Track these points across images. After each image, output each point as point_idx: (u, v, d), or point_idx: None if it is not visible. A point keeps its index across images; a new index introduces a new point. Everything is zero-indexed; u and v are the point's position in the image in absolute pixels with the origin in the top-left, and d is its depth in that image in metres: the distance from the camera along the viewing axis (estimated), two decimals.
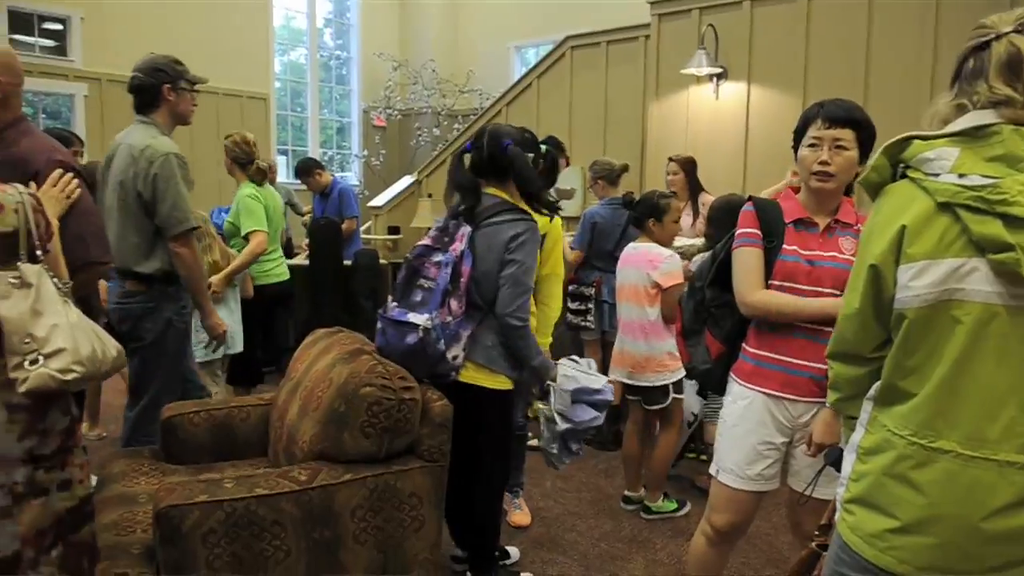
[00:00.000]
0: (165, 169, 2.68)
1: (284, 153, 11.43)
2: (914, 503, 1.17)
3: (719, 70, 5.68)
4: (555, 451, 2.50)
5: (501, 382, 2.42)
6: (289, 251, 5.45)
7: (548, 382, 2.47)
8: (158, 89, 2.81)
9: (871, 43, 5.06)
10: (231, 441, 2.64)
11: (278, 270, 4.20)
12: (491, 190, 2.45)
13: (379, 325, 2.36)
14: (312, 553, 1.97)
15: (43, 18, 8.92)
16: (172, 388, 2.85)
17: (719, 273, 2.14)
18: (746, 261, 2.01)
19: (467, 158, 2.49)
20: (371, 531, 2.04)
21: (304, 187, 6.30)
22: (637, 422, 3.36)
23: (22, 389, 1.58)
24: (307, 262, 5.35)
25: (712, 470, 2.14)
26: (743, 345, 2.09)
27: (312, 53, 12.04)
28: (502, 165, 2.40)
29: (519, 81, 7.62)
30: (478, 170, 2.45)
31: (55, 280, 1.70)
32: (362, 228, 7.01)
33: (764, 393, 2.00)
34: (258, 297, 4.08)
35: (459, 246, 2.31)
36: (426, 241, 2.40)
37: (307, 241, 5.69)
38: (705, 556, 2.18)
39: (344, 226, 5.56)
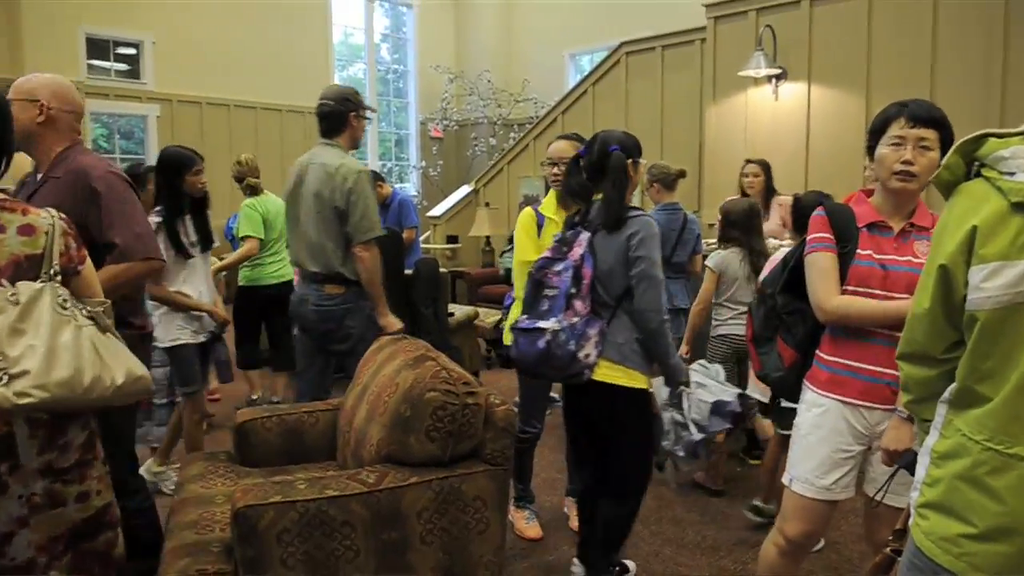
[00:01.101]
0: (358, 184, 3.01)
1: None
2: (990, 509, 1.15)
3: (778, 71, 5.61)
4: (681, 455, 2.55)
5: (636, 379, 2.43)
6: None
7: (681, 388, 2.53)
8: (345, 116, 3.12)
9: (937, 39, 4.92)
10: (301, 445, 2.73)
11: (278, 271, 4.51)
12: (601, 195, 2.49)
13: (511, 337, 2.47)
14: (380, 553, 2.02)
15: (118, 43, 9.38)
16: None
17: (790, 279, 2.11)
18: (821, 266, 1.98)
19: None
20: (437, 533, 2.09)
21: None
22: (780, 443, 3.14)
23: None
24: None
25: (785, 479, 2.10)
26: (817, 352, 2.05)
27: (370, 68, 12.32)
28: (605, 168, 2.45)
29: (574, 89, 7.66)
30: (589, 174, 2.50)
31: (63, 299, 1.67)
32: (421, 238, 7.13)
33: (840, 401, 1.97)
34: (254, 295, 4.50)
35: (579, 251, 2.38)
36: (547, 254, 2.47)
37: None
38: (775, 565, 2.15)
39: (404, 236, 5.66)
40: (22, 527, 1.64)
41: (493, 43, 12.02)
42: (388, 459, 2.14)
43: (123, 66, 9.50)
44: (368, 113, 3.25)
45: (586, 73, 8.25)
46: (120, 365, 1.72)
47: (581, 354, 2.33)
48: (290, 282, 4.43)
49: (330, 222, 3.03)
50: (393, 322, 3.14)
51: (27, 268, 1.65)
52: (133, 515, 2.39)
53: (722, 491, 3.56)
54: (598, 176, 2.47)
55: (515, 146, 8.24)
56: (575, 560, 2.68)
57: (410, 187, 12.34)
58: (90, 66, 9.02)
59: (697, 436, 2.49)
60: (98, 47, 9.17)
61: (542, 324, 2.32)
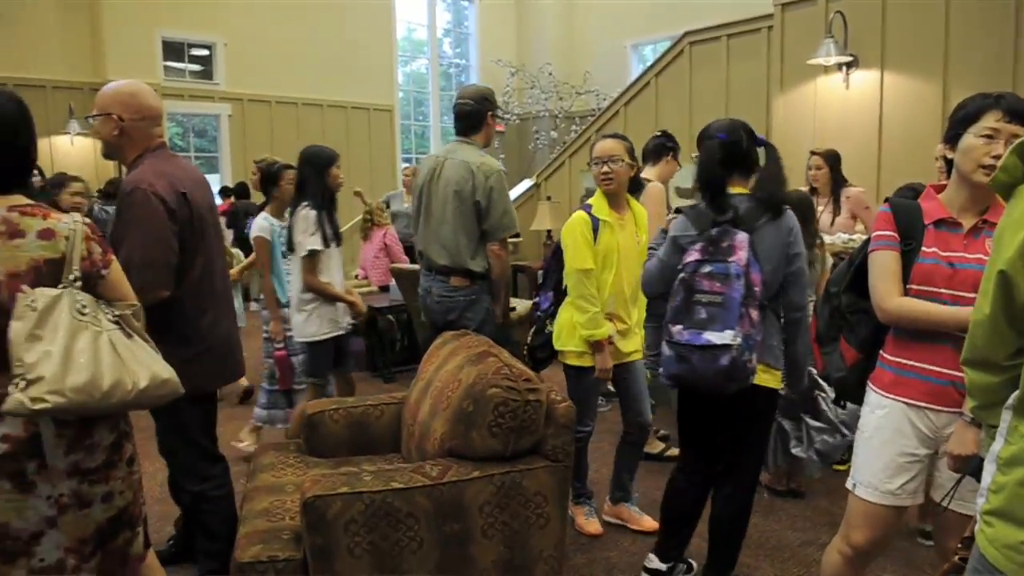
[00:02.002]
0: (499, 182, 3.16)
1: (408, 160, 11.86)
2: None
3: (849, 59, 5.43)
4: (815, 459, 2.55)
5: (778, 380, 2.43)
6: (413, 256, 5.67)
7: (816, 391, 2.56)
8: (483, 115, 3.25)
9: (1020, 24, 4.68)
10: (367, 437, 2.81)
11: None
12: (738, 189, 2.38)
13: (669, 352, 2.27)
14: (443, 545, 2.07)
15: (191, 45, 9.73)
16: None
17: (855, 278, 2.06)
18: (883, 265, 1.93)
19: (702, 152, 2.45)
20: (498, 527, 2.12)
21: None
22: None
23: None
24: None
25: (848, 484, 2.06)
26: (881, 353, 2.00)
27: (433, 63, 12.45)
28: (753, 160, 2.39)
29: (637, 80, 7.57)
30: (729, 164, 2.37)
31: (82, 304, 1.68)
32: None
33: (904, 403, 1.92)
34: None
35: (743, 255, 2.23)
36: (695, 255, 2.28)
37: None
38: (840, 574, 2.11)
39: None
40: (51, 527, 1.68)
41: (554, 35, 11.98)
42: (451, 453, 2.19)
43: (196, 67, 9.85)
44: (500, 113, 3.43)
45: (648, 64, 8.15)
46: (144, 368, 1.73)
47: (752, 363, 2.24)
48: None
49: (468, 217, 3.13)
50: (510, 315, 3.37)
51: (47, 273, 1.66)
52: (204, 501, 2.53)
53: (789, 492, 3.49)
54: (741, 168, 2.38)
55: (577, 139, 8.20)
56: (651, 556, 2.66)
57: None
58: (166, 68, 9.39)
59: (849, 437, 2.50)
60: (173, 49, 9.53)
61: (715, 338, 2.17)
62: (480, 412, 2.13)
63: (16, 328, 1.58)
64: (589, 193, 7.31)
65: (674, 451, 3.91)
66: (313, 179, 3.49)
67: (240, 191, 8.56)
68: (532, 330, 3.21)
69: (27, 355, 1.57)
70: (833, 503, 3.33)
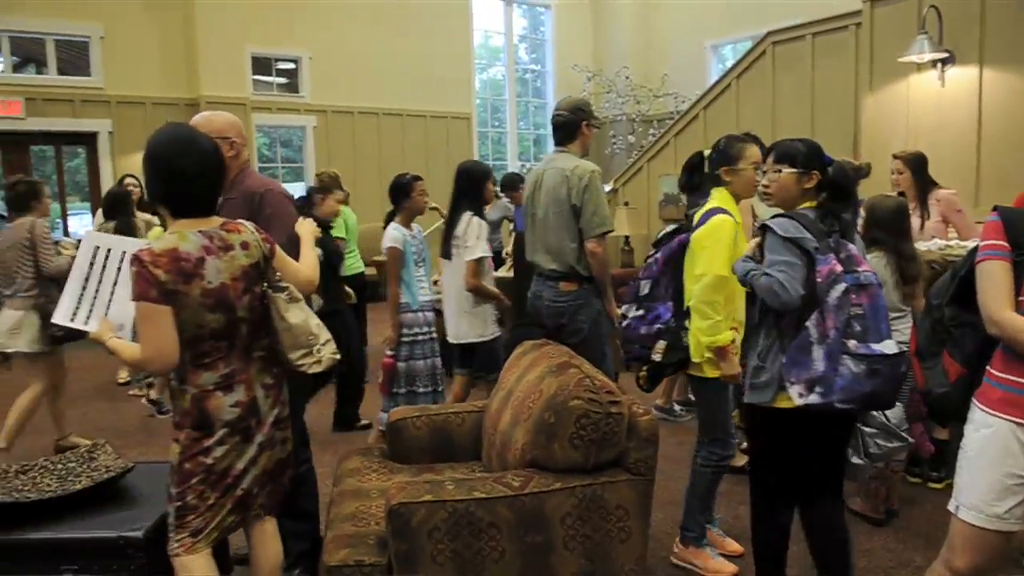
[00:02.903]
0: (592, 181, 3.27)
1: None
2: None
3: (944, 55, 5.18)
4: (867, 463, 2.55)
5: None
6: (499, 263, 5.74)
7: None
8: (578, 125, 3.38)
9: None
10: (448, 444, 2.85)
11: (352, 264, 5.28)
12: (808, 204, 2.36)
13: (857, 368, 2.13)
14: (525, 556, 2.08)
15: (278, 60, 10.11)
16: (599, 362, 3.09)
17: (959, 290, 1.97)
18: (993, 275, 1.83)
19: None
20: (579, 539, 2.12)
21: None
22: None
23: (316, 369, 2.11)
24: (509, 273, 5.60)
25: (951, 506, 1.96)
26: (988, 369, 1.90)
27: (509, 70, 12.54)
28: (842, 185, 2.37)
29: (716, 83, 7.42)
30: (829, 184, 2.35)
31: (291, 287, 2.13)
32: None
33: (1014, 422, 1.82)
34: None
35: (867, 265, 2.26)
36: (834, 266, 2.19)
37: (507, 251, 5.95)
38: None
39: None
40: (252, 465, 2.06)
41: (631, 38, 11.88)
42: (532, 464, 2.20)
43: (283, 80, 10.23)
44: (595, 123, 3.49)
45: (728, 64, 7.99)
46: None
47: None
48: (361, 273, 5.51)
49: (568, 220, 3.28)
50: (617, 312, 3.34)
51: (253, 276, 2.04)
52: (301, 483, 2.66)
53: (883, 520, 3.26)
54: (834, 188, 2.35)
55: (655, 143, 8.10)
56: None
57: None
58: (254, 82, 9.78)
59: (898, 444, 2.46)
60: (261, 64, 9.92)
61: (886, 348, 2.13)
62: (561, 424, 2.13)
63: (299, 314, 2.07)
64: (667, 198, 7.21)
65: None
66: (471, 190, 3.75)
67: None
68: (664, 344, 2.80)
69: (313, 328, 2.09)
70: (929, 522, 3.18)
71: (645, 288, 2.87)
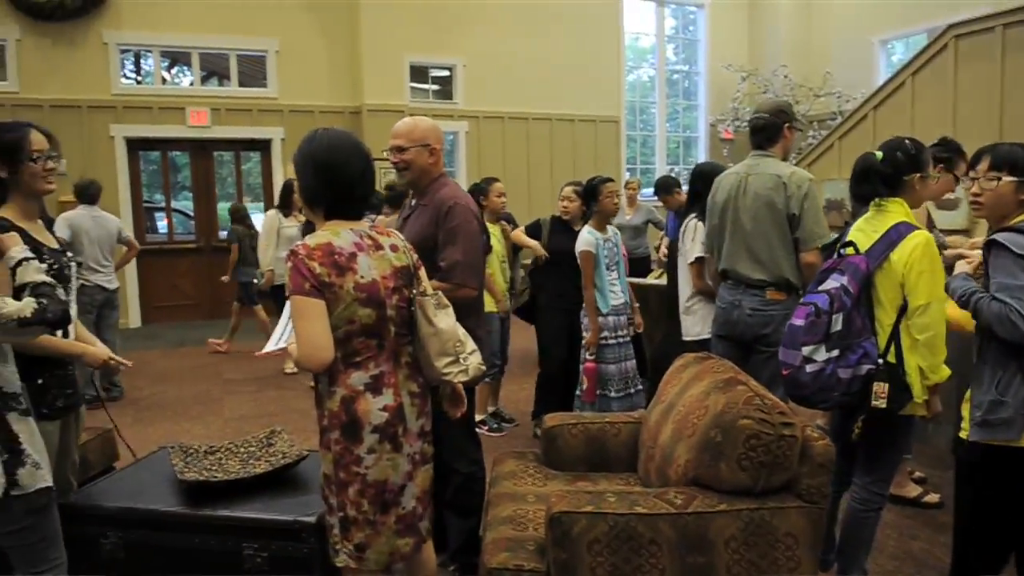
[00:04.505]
0: (811, 191, 3.15)
1: (631, 170, 11.83)
2: None
3: None
4: None
5: None
6: (646, 269, 5.65)
7: None
8: (780, 128, 3.27)
9: None
10: (602, 454, 2.83)
11: None
12: None
13: None
14: None
15: (434, 67, 10.48)
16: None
17: None
18: None
19: None
20: (744, 564, 2.03)
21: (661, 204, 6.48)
22: None
23: (462, 379, 2.08)
24: (662, 281, 5.48)
25: None
26: None
27: (660, 71, 12.32)
28: None
29: (888, 81, 6.93)
30: None
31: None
32: None
33: None
34: None
35: None
36: None
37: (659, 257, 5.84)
38: None
39: None
40: (409, 480, 2.06)
41: (791, 35, 11.32)
42: (695, 482, 2.14)
43: (436, 87, 10.60)
44: (798, 125, 3.39)
45: (899, 61, 7.43)
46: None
47: None
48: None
49: (782, 229, 3.14)
50: None
51: (401, 276, 2.08)
52: (473, 481, 2.77)
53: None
54: None
55: (818, 146, 7.69)
56: None
57: None
58: (412, 88, 10.20)
59: None
60: (417, 72, 10.32)
61: None
62: (729, 443, 2.05)
63: (447, 320, 2.07)
64: (830, 204, 6.80)
65: (933, 497, 3.51)
66: (702, 195, 3.67)
67: None
68: (886, 387, 2.41)
69: (461, 336, 2.08)
70: None
71: (838, 323, 2.39)
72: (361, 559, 2.01)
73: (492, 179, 4.76)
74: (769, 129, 3.25)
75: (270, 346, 2.44)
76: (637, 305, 4.39)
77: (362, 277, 1.97)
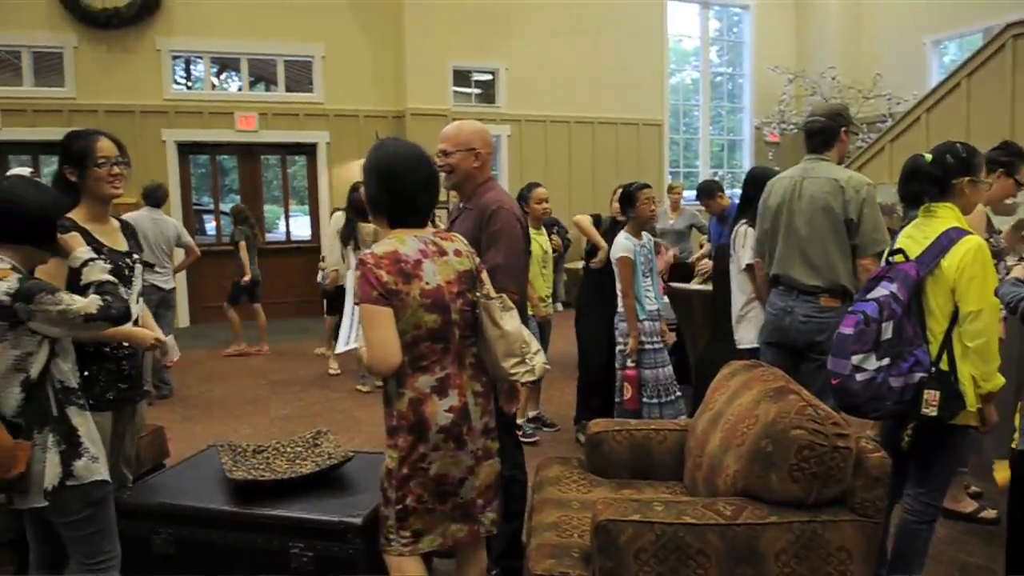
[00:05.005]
0: (871, 196, 3.09)
1: (674, 174, 11.72)
2: None
3: None
4: None
5: None
6: (689, 274, 5.57)
7: None
8: (836, 131, 3.21)
9: None
10: (647, 461, 2.80)
11: None
12: None
13: None
14: None
15: (477, 72, 10.52)
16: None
17: None
18: None
19: None
20: None
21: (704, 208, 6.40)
22: None
23: (529, 379, 2.15)
24: (705, 286, 5.41)
25: None
26: None
27: (704, 74, 12.19)
28: None
29: (943, 83, 6.75)
30: None
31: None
32: None
33: None
34: None
35: None
36: None
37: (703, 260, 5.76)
38: None
39: None
40: (470, 475, 2.11)
41: (839, 36, 11.10)
42: (744, 493, 2.10)
43: (479, 90, 10.64)
44: (855, 129, 3.34)
45: (952, 62, 7.22)
46: None
47: None
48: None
49: (839, 234, 3.08)
50: None
51: (465, 281, 2.13)
52: (515, 484, 2.75)
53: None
54: None
55: (868, 149, 7.51)
56: None
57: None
58: (455, 92, 10.26)
59: None
60: (460, 76, 10.38)
61: None
62: (781, 454, 2.01)
63: (513, 322, 2.12)
64: (882, 209, 6.62)
65: (990, 513, 3.40)
66: (753, 199, 3.61)
67: None
68: (938, 395, 2.35)
69: (526, 336, 2.15)
70: None
71: (888, 332, 2.36)
72: (415, 544, 2.06)
73: (534, 184, 4.71)
74: (826, 132, 3.18)
75: (340, 346, 2.60)
76: (671, 319, 4.32)
77: (427, 283, 2.03)
